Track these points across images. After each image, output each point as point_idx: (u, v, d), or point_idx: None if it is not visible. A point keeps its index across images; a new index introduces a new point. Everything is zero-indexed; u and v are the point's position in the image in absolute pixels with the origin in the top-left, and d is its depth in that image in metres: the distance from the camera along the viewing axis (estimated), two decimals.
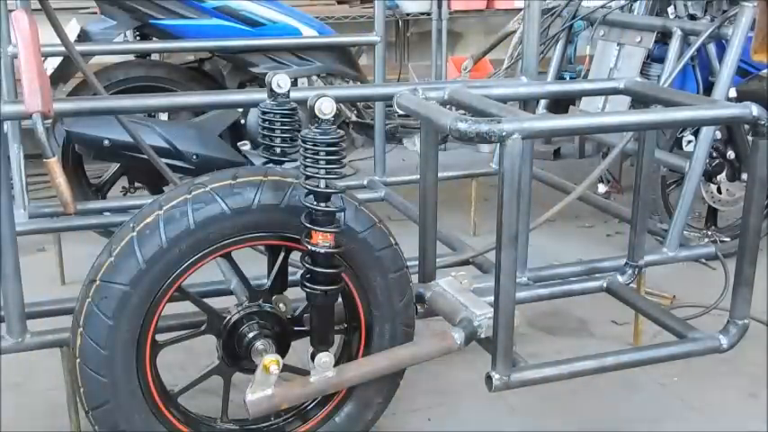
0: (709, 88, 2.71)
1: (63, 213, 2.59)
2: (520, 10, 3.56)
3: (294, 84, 1.96)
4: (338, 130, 1.56)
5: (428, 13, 4.37)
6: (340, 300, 1.72)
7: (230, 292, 1.78)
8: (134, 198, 2.96)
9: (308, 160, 1.56)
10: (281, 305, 1.72)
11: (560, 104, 3.10)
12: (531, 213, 2.16)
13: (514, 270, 1.59)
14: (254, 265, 1.80)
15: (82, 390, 1.57)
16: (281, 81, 1.74)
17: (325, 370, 1.64)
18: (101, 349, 1.54)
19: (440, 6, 4.08)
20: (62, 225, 2.60)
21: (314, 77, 3.17)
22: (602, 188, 3.45)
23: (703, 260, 2.57)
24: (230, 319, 1.68)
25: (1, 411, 2.00)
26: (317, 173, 1.56)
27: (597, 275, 2.23)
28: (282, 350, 1.70)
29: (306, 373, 1.66)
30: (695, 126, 2.65)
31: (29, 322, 1.86)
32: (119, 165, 3.00)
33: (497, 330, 1.61)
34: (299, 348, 1.75)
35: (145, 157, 2.80)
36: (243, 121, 2.97)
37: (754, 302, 1.86)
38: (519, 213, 1.57)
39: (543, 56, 3.13)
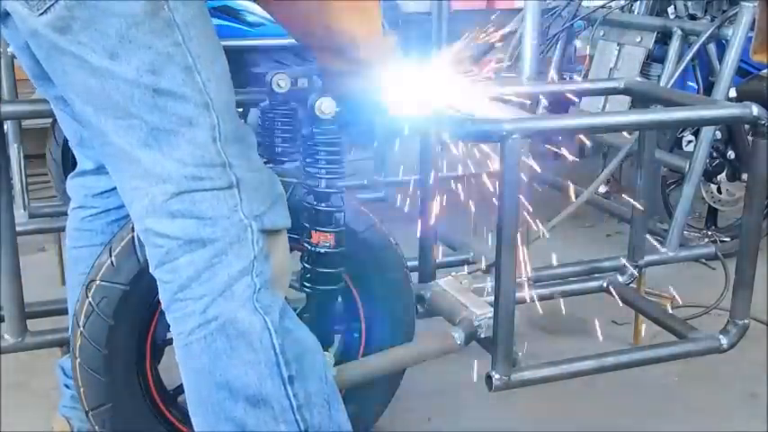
0: (709, 88, 2.71)
1: (63, 213, 2.59)
2: (520, 10, 3.55)
3: (294, 84, 1.94)
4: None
5: (428, 13, 4.37)
6: (340, 300, 1.72)
7: None
8: None
9: (308, 160, 1.56)
10: None
11: (560, 104, 3.10)
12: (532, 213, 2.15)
13: (514, 270, 1.59)
14: None
15: (82, 390, 1.57)
16: (281, 81, 1.74)
17: None
18: (101, 349, 1.54)
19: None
20: (62, 225, 2.59)
21: (314, 77, 3.16)
22: (602, 188, 3.44)
23: (703, 260, 2.57)
24: None
25: (1, 411, 1.99)
26: (317, 173, 1.56)
27: (597, 275, 2.23)
28: None
29: None
30: (695, 126, 2.65)
31: (29, 322, 1.86)
32: None
33: (497, 330, 1.61)
34: None
35: None
36: (243, 121, 2.97)
37: (754, 302, 1.86)
38: (519, 213, 1.57)
39: (543, 56, 3.13)
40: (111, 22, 1.17)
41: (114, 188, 1.61)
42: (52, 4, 1.16)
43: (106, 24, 1.17)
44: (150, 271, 1.31)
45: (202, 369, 1.28)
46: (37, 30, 1.19)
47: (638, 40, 2.85)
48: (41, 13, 1.17)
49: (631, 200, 2.15)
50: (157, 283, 1.31)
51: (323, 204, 1.57)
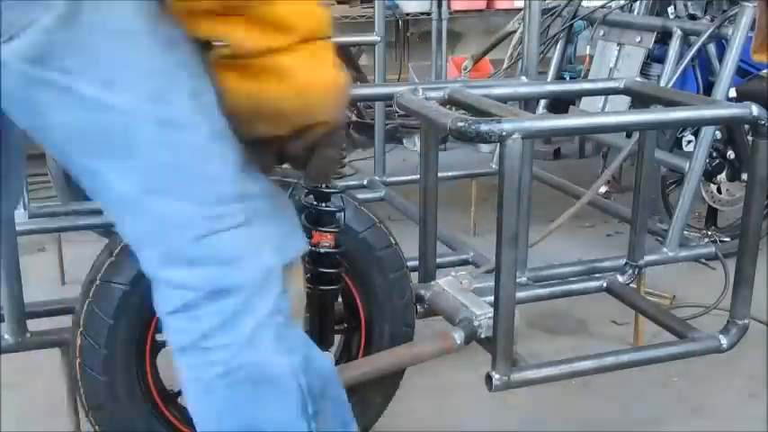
0: (709, 88, 2.71)
1: (63, 213, 2.59)
2: (520, 10, 3.56)
3: None
4: None
5: (428, 13, 4.37)
6: (340, 300, 1.72)
7: None
8: None
9: None
10: None
11: (560, 104, 3.10)
12: (532, 213, 2.16)
13: (514, 270, 1.59)
14: None
15: (82, 390, 1.57)
16: None
17: None
18: (101, 349, 1.54)
19: (440, 6, 4.08)
20: (62, 225, 2.60)
21: None
22: (602, 188, 3.45)
23: (703, 260, 2.57)
24: None
25: (1, 411, 1.99)
26: None
27: (597, 275, 2.23)
28: None
29: None
30: (695, 126, 2.65)
31: (29, 322, 1.86)
32: None
33: (497, 330, 1.61)
34: None
35: None
36: None
37: (754, 302, 1.86)
38: (519, 213, 1.57)
39: (543, 56, 3.13)
40: (104, 44, 0.97)
41: None
42: (24, 29, 0.94)
43: (97, 47, 0.97)
44: (159, 315, 1.17)
45: (226, 412, 1.18)
46: (2, 61, 0.95)
47: (638, 40, 2.85)
48: (7, 40, 0.94)
49: (631, 200, 2.15)
50: (166, 325, 1.17)
51: (323, 204, 1.57)
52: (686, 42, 2.74)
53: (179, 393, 1.70)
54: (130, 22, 0.99)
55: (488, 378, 1.64)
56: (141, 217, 1.08)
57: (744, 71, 2.74)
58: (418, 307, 1.85)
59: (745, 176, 2.63)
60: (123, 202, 1.08)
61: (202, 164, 1.06)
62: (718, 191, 2.89)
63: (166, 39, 1.01)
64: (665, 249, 2.42)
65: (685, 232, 2.56)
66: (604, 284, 2.18)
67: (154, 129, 1.02)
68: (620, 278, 2.19)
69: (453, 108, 1.86)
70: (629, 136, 2.80)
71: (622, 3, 3.11)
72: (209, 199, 1.07)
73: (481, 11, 5.15)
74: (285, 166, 1.74)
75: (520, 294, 2.01)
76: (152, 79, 1.01)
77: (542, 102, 3.00)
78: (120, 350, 1.56)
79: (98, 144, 1.02)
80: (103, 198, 1.10)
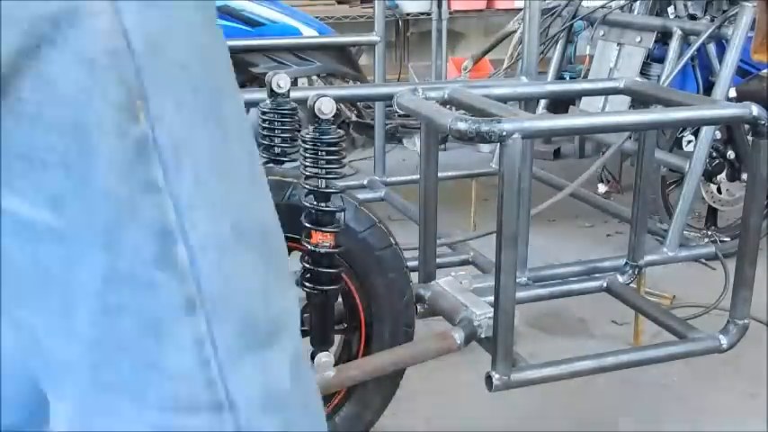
0: (709, 88, 2.71)
1: None
2: (520, 10, 3.56)
3: (294, 84, 1.95)
4: (338, 130, 1.56)
5: (428, 13, 4.37)
6: (340, 300, 1.73)
7: None
8: None
9: (308, 160, 1.56)
10: None
11: (560, 104, 3.10)
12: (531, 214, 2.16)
13: (514, 270, 1.59)
14: None
15: None
16: (281, 81, 1.75)
17: (325, 370, 1.64)
18: None
19: (440, 6, 4.08)
20: None
21: (314, 77, 3.17)
22: (602, 188, 3.45)
23: (703, 260, 2.57)
24: None
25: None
26: (317, 173, 1.56)
27: (597, 275, 2.23)
28: None
29: None
30: (695, 126, 2.65)
31: None
32: None
33: (497, 330, 1.62)
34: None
35: None
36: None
37: (754, 302, 1.86)
38: (519, 213, 1.57)
39: (543, 56, 3.13)
40: (52, 144, 0.59)
41: None
42: None
43: (44, 146, 0.60)
44: None
45: None
46: None
47: (638, 40, 2.85)
48: None
49: (631, 200, 2.15)
50: None
51: (323, 204, 1.57)
52: (686, 42, 2.74)
53: None
54: (84, 116, 0.61)
55: (488, 378, 1.64)
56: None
57: (744, 71, 2.74)
58: (418, 307, 1.85)
59: (745, 176, 2.63)
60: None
61: (155, 347, 0.66)
62: (719, 191, 2.89)
63: (137, 144, 0.62)
64: (665, 249, 2.42)
65: (685, 232, 2.56)
66: (604, 284, 2.18)
67: (94, 284, 0.64)
68: (620, 278, 2.19)
69: (453, 108, 1.86)
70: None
71: (622, 3, 3.11)
72: (164, 404, 0.67)
73: (481, 11, 5.15)
74: (285, 165, 1.76)
75: (520, 294, 2.01)
76: (106, 206, 0.62)
77: (542, 102, 3.00)
78: None
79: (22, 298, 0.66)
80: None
